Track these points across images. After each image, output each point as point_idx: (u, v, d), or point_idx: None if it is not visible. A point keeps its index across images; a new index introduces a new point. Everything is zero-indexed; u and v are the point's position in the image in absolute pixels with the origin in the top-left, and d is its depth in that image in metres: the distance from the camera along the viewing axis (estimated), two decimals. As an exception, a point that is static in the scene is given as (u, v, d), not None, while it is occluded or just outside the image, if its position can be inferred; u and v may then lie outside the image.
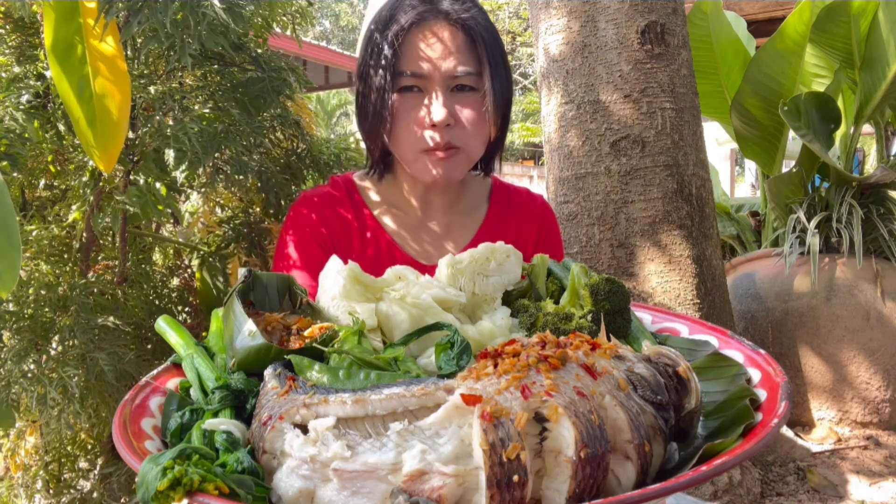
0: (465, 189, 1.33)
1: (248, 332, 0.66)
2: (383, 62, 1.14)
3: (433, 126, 1.14)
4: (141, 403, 0.65)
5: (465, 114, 1.16)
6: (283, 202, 1.63)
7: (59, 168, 1.51)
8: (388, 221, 1.28)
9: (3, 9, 1.41)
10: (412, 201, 1.30)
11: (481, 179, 1.35)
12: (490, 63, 1.15)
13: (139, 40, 1.39)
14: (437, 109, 1.13)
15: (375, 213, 1.29)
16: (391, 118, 1.16)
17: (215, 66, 1.49)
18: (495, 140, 1.25)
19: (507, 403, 0.49)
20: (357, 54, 1.26)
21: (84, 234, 1.49)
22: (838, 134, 3.45)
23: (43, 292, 1.38)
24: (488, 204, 1.35)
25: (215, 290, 1.64)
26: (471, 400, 0.49)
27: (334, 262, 0.78)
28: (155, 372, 0.71)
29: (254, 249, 1.64)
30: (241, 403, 0.62)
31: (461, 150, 1.17)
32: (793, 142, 3.63)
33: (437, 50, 1.14)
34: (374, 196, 1.31)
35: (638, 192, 2.56)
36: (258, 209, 1.70)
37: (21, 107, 1.31)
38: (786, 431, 2.92)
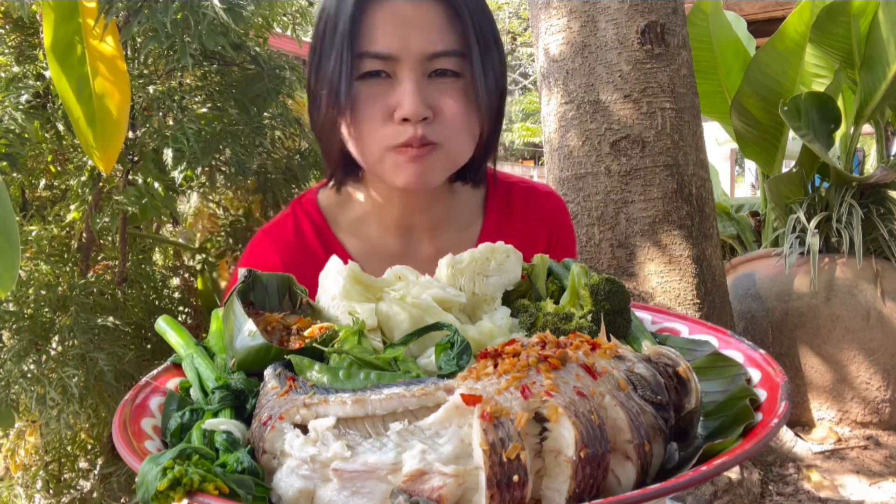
0: (455, 202, 1.09)
1: (248, 332, 0.66)
2: (338, 42, 0.90)
3: (405, 121, 0.90)
4: (141, 403, 0.65)
5: (447, 105, 0.92)
6: (281, 203, 1.63)
7: (58, 168, 1.51)
8: (362, 252, 1.05)
9: (2, 9, 1.41)
10: (390, 225, 1.06)
11: (472, 187, 1.10)
12: (478, 41, 0.92)
13: (139, 40, 1.39)
14: (408, 99, 0.89)
15: (346, 242, 1.06)
16: (350, 112, 0.92)
17: (215, 66, 1.49)
18: (487, 139, 1.00)
19: (507, 403, 0.49)
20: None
21: (83, 234, 1.49)
22: (838, 134, 3.45)
23: (43, 292, 1.38)
24: (484, 215, 1.12)
25: (215, 291, 1.64)
26: (471, 400, 0.49)
27: (334, 262, 0.78)
28: (155, 372, 0.71)
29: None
30: (241, 403, 0.62)
31: (440, 147, 0.93)
32: (793, 142, 3.62)
33: (407, 24, 0.90)
34: (343, 220, 1.08)
35: (638, 192, 2.56)
36: (256, 212, 1.70)
37: (21, 107, 1.31)
38: (786, 431, 2.92)
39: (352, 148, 0.98)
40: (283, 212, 1.12)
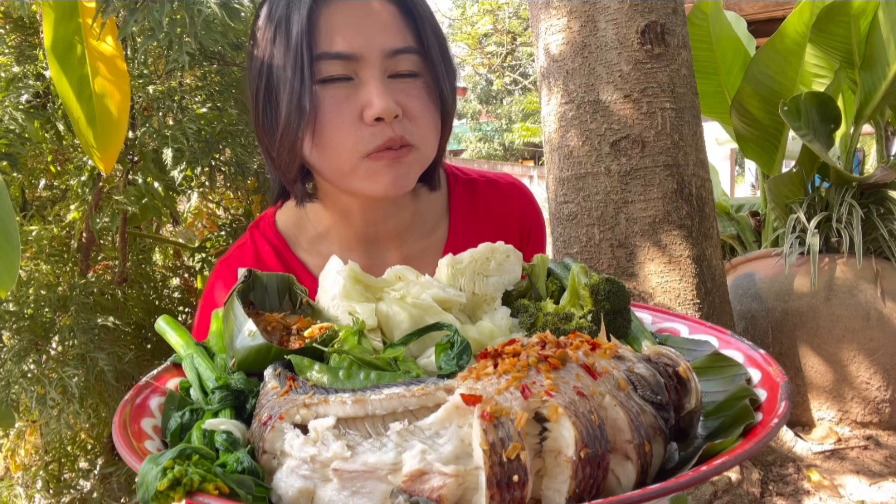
0: (419, 208, 1.05)
1: (248, 332, 0.66)
2: (295, 45, 0.85)
3: (376, 121, 0.86)
4: (141, 403, 0.65)
5: (413, 103, 0.89)
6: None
7: (58, 168, 1.51)
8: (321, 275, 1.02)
9: (2, 9, 1.41)
10: (352, 239, 1.02)
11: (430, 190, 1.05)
12: (431, 40, 0.90)
13: (139, 40, 1.39)
14: (378, 97, 0.85)
15: (308, 261, 1.03)
16: (314, 119, 0.87)
17: (215, 66, 1.49)
18: (443, 140, 0.97)
19: (507, 403, 0.49)
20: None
21: (83, 234, 1.49)
22: (838, 134, 3.45)
23: (43, 292, 1.38)
24: (448, 217, 1.07)
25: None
26: (471, 400, 0.49)
27: (334, 261, 0.78)
28: (155, 372, 0.71)
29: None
30: (241, 403, 0.62)
31: (416, 149, 0.90)
32: (793, 142, 3.62)
33: (366, 23, 0.87)
34: (303, 239, 1.04)
35: (638, 192, 2.56)
36: (256, 212, 1.70)
37: (21, 107, 1.31)
38: (786, 431, 2.92)
39: (316, 160, 0.91)
40: (240, 238, 1.08)
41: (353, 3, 0.87)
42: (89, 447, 1.58)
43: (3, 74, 1.37)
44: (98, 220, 1.39)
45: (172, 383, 0.70)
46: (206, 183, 1.55)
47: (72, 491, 1.54)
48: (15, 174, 1.41)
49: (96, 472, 1.54)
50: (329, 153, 0.90)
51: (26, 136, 1.30)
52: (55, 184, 1.54)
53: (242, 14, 1.28)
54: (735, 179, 12.16)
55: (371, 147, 0.87)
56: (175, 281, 1.70)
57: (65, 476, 1.57)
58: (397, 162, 0.88)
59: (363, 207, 0.99)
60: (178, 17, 1.21)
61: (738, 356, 0.69)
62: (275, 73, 0.88)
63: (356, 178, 0.90)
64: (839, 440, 2.98)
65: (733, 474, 2.57)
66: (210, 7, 1.18)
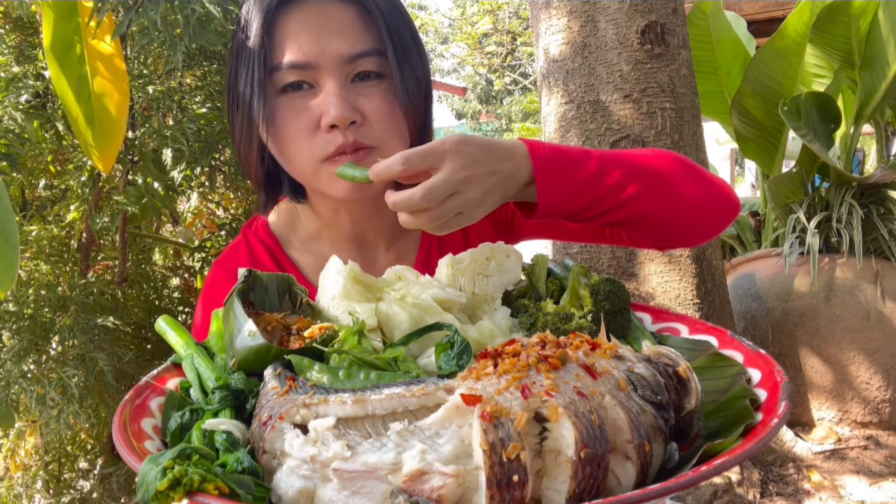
0: None
1: (248, 332, 0.66)
2: (249, 56, 0.87)
3: (332, 128, 0.87)
4: (141, 403, 0.65)
5: (373, 107, 0.89)
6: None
7: (58, 168, 1.51)
8: (316, 268, 1.02)
9: (2, 8, 1.41)
10: (342, 238, 1.03)
11: None
12: (392, 40, 0.88)
13: (136, 39, 1.39)
14: (333, 104, 0.85)
15: (300, 260, 1.05)
16: (272, 129, 0.89)
17: (215, 66, 1.49)
18: (415, 141, 0.95)
19: (507, 403, 0.49)
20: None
21: (83, 234, 1.49)
22: (838, 134, 3.45)
23: (43, 292, 1.38)
24: None
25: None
26: (471, 400, 0.49)
27: (334, 261, 0.78)
28: (155, 372, 0.71)
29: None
30: (241, 403, 0.62)
31: (376, 150, 0.89)
32: (793, 142, 3.62)
33: (322, 30, 0.86)
34: (295, 239, 1.06)
35: (638, 192, 2.56)
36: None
37: (20, 107, 1.30)
38: (786, 431, 2.92)
39: (286, 167, 0.94)
40: (235, 239, 1.10)
41: (309, 11, 0.87)
42: (89, 447, 1.57)
43: (2, 74, 1.37)
44: (98, 220, 1.39)
45: (172, 383, 0.70)
46: (206, 183, 1.54)
47: (72, 491, 1.54)
48: (15, 174, 1.41)
49: (96, 472, 1.54)
50: (290, 161, 0.92)
51: (26, 136, 1.30)
52: (55, 184, 1.54)
53: (233, 15, 1.28)
54: (735, 179, 12.15)
55: (325, 153, 0.88)
56: (175, 281, 1.70)
57: (65, 476, 1.57)
58: (357, 163, 0.88)
59: (348, 207, 0.99)
60: (176, 17, 1.21)
61: (738, 356, 0.69)
62: (237, 83, 0.90)
63: (319, 181, 0.92)
64: (839, 440, 2.98)
65: (733, 474, 2.57)
66: (204, 7, 1.18)
